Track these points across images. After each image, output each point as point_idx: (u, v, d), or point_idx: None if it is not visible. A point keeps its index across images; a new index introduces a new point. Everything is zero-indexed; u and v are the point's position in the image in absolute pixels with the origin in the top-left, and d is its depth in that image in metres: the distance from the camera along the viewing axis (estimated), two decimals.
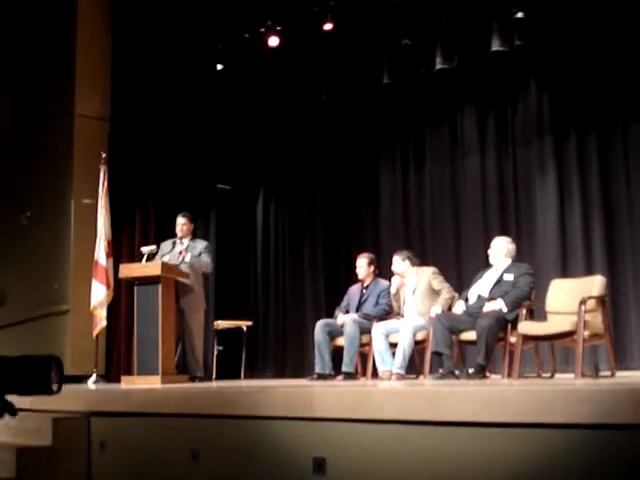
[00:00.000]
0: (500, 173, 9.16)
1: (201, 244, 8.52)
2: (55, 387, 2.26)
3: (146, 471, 5.68)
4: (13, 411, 2.26)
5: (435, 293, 7.64)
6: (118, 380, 8.50)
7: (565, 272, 8.27)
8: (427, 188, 9.75)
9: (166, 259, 8.18)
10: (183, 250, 8.29)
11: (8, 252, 10.54)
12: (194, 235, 8.79)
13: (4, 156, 10.91)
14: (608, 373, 6.46)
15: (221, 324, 10.01)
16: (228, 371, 9.90)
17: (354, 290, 8.33)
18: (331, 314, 8.40)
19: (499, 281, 7.02)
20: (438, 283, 7.68)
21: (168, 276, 7.80)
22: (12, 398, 2.25)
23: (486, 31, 8.17)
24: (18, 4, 10.89)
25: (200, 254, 8.35)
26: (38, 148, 10.43)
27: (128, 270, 8.07)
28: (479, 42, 8.27)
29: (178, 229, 8.47)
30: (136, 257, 9.00)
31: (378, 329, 7.56)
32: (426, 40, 8.64)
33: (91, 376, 8.75)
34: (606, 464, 3.71)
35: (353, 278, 8.44)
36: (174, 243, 8.43)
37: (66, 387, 6.79)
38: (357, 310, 8.07)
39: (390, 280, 7.97)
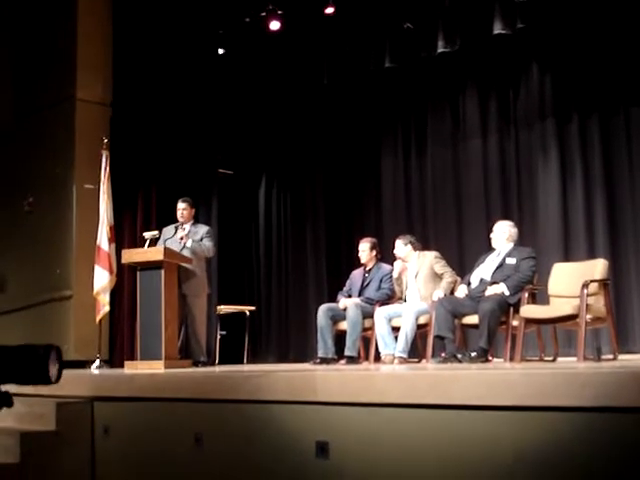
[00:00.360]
0: (502, 156, 9.16)
1: (202, 229, 8.51)
2: (54, 377, 2.25)
3: (150, 456, 5.70)
4: (9, 402, 2.25)
5: (437, 277, 7.64)
6: (121, 365, 8.51)
7: (567, 255, 8.28)
8: (429, 172, 9.75)
9: (168, 244, 8.17)
10: (184, 235, 8.28)
11: (10, 238, 10.54)
12: (196, 220, 8.79)
13: (5, 142, 10.90)
14: (610, 356, 6.47)
15: (224, 309, 10.03)
16: (231, 356, 9.92)
17: (356, 274, 8.33)
18: (334, 298, 8.40)
19: (501, 265, 7.02)
20: (440, 267, 7.68)
21: (170, 261, 7.79)
22: (11, 387, 2.24)
23: (488, 14, 8.16)
24: None
25: (202, 239, 8.35)
26: (39, 134, 10.41)
27: (130, 255, 8.06)
28: (481, 25, 8.26)
29: (179, 214, 8.45)
30: (138, 242, 9.00)
31: (380, 313, 7.57)
32: (428, 23, 8.63)
33: (94, 361, 8.77)
34: (609, 447, 3.71)
35: (355, 262, 8.44)
36: (176, 228, 8.42)
37: (69, 372, 6.78)
38: (360, 294, 8.07)
39: (392, 264, 7.97)
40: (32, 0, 10.75)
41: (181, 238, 8.25)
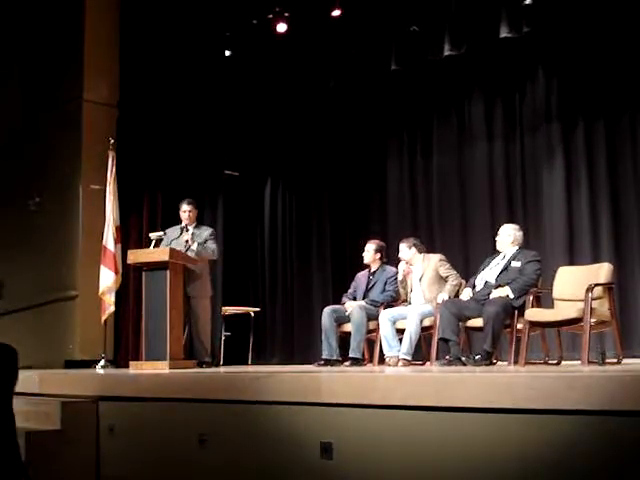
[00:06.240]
0: (508, 160, 9.15)
1: (206, 231, 8.45)
2: None
3: (154, 455, 5.72)
4: None
5: (442, 280, 7.64)
6: (126, 365, 8.53)
7: (572, 259, 8.28)
8: (434, 175, 9.74)
9: (173, 246, 8.15)
10: (189, 239, 8.26)
11: (16, 237, 10.56)
12: (199, 222, 8.78)
13: (13, 142, 10.93)
14: (614, 360, 6.47)
15: (229, 310, 10.04)
16: (236, 357, 9.93)
17: (361, 276, 8.34)
18: (338, 300, 8.41)
19: (506, 268, 7.02)
20: (445, 270, 7.68)
21: (176, 262, 7.80)
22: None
23: (494, 18, 8.15)
24: None
25: (206, 241, 8.32)
26: (46, 134, 10.44)
27: (136, 256, 8.07)
28: (487, 29, 8.25)
29: (185, 216, 8.37)
30: (144, 243, 9.01)
31: (385, 315, 7.58)
32: (434, 26, 8.62)
33: (99, 361, 8.79)
34: (613, 450, 3.73)
35: (360, 264, 8.45)
36: (182, 229, 8.40)
37: (75, 372, 6.85)
38: (364, 296, 8.08)
39: (397, 267, 7.98)
40: (41, 2, 10.78)
41: (186, 241, 8.23)
